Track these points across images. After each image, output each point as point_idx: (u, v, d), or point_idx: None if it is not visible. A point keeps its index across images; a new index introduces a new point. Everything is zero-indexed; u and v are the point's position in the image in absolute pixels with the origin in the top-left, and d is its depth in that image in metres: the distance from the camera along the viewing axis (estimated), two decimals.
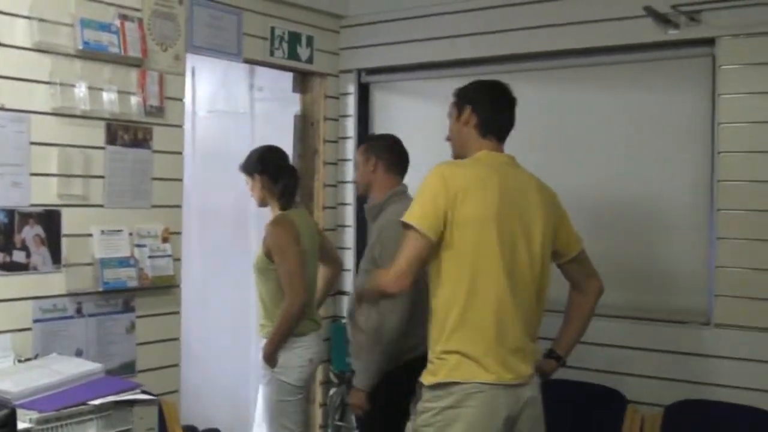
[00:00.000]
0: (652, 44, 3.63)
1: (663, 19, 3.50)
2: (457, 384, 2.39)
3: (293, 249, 3.38)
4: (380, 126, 4.44)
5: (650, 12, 3.50)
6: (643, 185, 3.73)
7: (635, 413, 3.55)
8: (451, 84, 4.15)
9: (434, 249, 2.44)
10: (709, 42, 3.50)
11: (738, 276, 3.43)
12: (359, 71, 4.48)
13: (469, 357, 2.40)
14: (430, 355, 2.50)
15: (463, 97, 2.73)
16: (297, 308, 3.35)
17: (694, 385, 3.50)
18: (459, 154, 2.72)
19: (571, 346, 2.79)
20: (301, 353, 3.46)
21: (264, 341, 3.47)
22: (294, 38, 4.23)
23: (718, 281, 3.48)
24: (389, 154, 3.35)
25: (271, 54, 4.13)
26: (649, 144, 3.72)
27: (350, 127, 4.53)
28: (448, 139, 2.80)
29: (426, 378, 2.48)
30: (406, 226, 2.43)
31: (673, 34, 3.53)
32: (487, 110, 2.66)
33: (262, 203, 3.58)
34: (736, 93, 3.43)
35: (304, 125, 4.47)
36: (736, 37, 3.43)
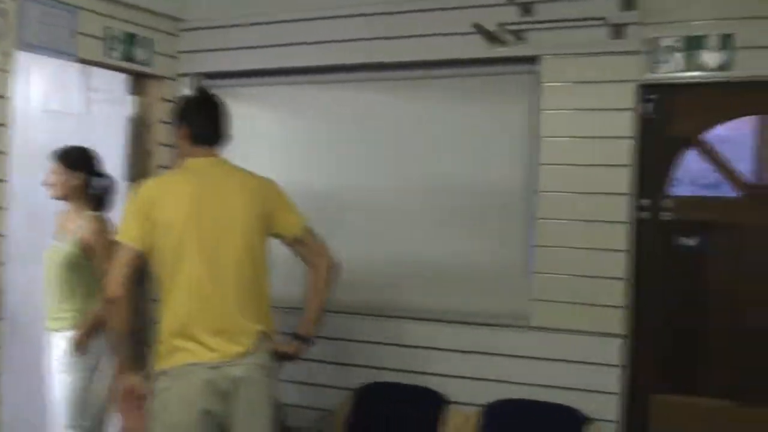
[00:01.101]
0: (481, 60, 3.80)
1: (491, 37, 3.68)
2: (168, 369, 2.72)
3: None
4: None
5: (479, 29, 3.67)
6: (472, 194, 3.89)
7: (455, 413, 3.69)
8: (291, 91, 4.26)
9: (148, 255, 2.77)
10: (534, 60, 3.70)
11: (553, 281, 3.63)
12: (198, 75, 4.44)
13: (174, 343, 2.71)
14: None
15: (175, 115, 3.05)
16: None
17: (513, 384, 3.68)
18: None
19: (311, 324, 3.02)
20: None
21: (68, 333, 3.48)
22: (131, 39, 4.14)
23: (535, 286, 3.67)
24: None
25: (107, 54, 4.03)
26: (479, 154, 3.89)
27: None
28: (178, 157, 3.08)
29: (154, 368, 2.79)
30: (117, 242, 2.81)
31: (500, 51, 3.72)
32: (195, 122, 2.96)
33: (64, 197, 3.63)
34: (557, 109, 3.65)
35: (139, 127, 4.38)
36: (557, 57, 3.64)
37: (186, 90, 4.36)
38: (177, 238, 2.73)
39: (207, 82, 4.43)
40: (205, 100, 3.09)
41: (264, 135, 4.30)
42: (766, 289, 3.41)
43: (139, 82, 4.38)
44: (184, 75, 4.44)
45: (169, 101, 4.41)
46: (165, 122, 4.38)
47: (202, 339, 2.70)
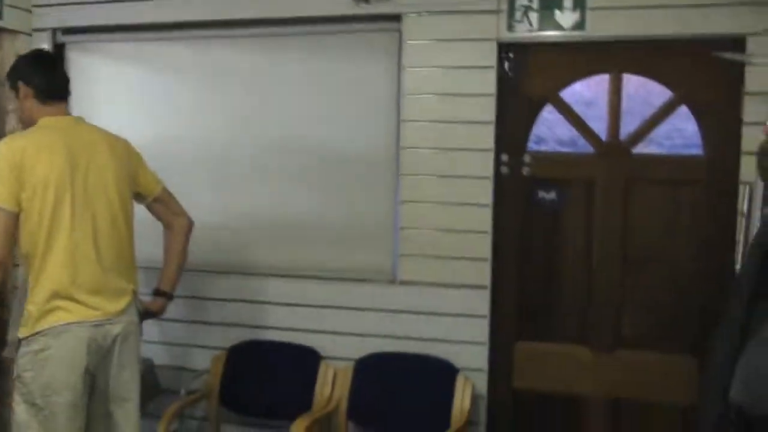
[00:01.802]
0: (344, 17, 3.80)
1: None
2: (46, 329, 2.65)
3: None
4: (77, 88, 4.25)
5: None
6: (338, 152, 3.91)
7: (327, 368, 3.77)
8: (153, 48, 4.15)
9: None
10: (397, 18, 3.73)
11: (419, 236, 3.71)
12: (54, 30, 4.25)
13: (51, 304, 2.65)
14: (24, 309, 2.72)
15: (14, 76, 2.93)
16: None
17: (385, 338, 3.77)
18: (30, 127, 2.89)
19: (173, 281, 3.12)
20: None
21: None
22: None
23: (402, 242, 3.75)
24: None
25: None
26: (345, 110, 3.90)
27: None
28: (21, 121, 2.96)
29: (21, 332, 2.70)
30: None
31: (363, 8, 3.72)
32: (39, 78, 2.86)
33: None
34: (420, 66, 3.69)
35: None
36: (420, 15, 3.68)
37: (45, 45, 4.19)
38: (52, 198, 2.67)
39: (63, 38, 4.26)
40: (42, 56, 3.06)
41: (122, 91, 4.18)
42: (614, 242, 3.60)
43: None
44: (40, 30, 4.25)
45: None
46: None
47: (82, 299, 2.69)
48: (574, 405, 3.69)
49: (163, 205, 3.07)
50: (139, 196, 3.02)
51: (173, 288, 3.16)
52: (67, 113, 2.95)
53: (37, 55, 3.07)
